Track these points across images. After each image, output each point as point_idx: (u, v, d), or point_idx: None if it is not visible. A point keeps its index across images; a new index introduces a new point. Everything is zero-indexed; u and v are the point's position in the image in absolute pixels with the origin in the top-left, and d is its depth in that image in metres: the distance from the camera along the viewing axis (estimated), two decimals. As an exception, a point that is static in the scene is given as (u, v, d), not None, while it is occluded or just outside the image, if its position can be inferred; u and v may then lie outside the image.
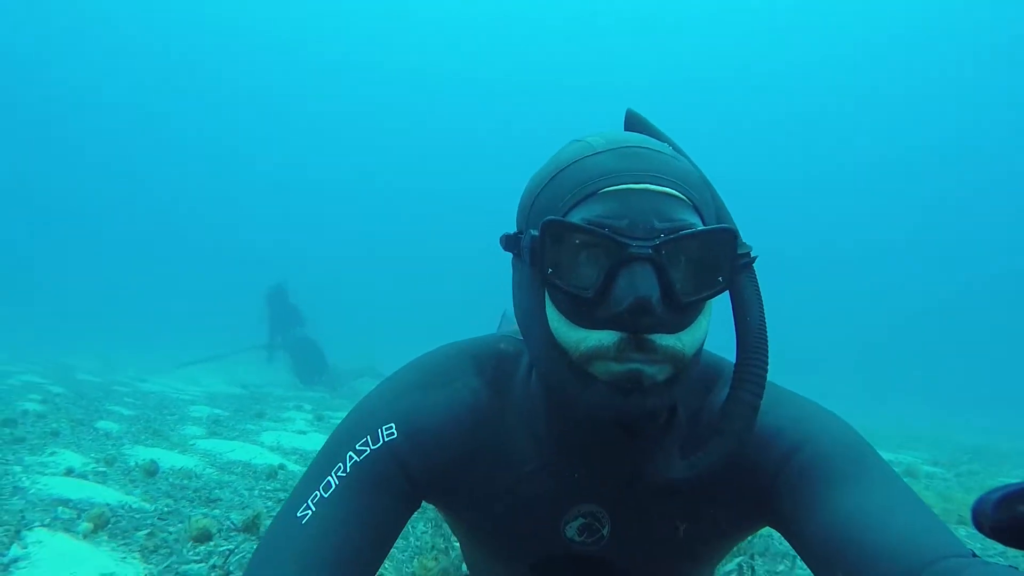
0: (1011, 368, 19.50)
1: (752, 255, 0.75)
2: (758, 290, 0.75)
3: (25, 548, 1.63)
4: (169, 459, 3.02)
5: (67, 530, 1.80)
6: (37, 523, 1.82)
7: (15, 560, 1.56)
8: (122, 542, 1.78)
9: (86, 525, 1.84)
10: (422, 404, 0.80)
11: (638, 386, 0.64)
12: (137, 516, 2.04)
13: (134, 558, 1.69)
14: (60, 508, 2.02)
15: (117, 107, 32.21)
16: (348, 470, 0.74)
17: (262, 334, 9.81)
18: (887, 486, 0.67)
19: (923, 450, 5.68)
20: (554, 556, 0.83)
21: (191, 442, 3.57)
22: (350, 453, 0.75)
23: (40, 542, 1.67)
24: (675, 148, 0.77)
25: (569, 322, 0.66)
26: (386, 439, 0.76)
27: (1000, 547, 2.11)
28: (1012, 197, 28.47)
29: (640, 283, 0.61)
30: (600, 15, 31.54)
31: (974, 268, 28.18)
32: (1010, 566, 0.52)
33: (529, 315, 0.72)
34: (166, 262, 29.46)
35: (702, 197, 0.70)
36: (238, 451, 3.43)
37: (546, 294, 0.68)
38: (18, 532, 1.71)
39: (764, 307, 0.74)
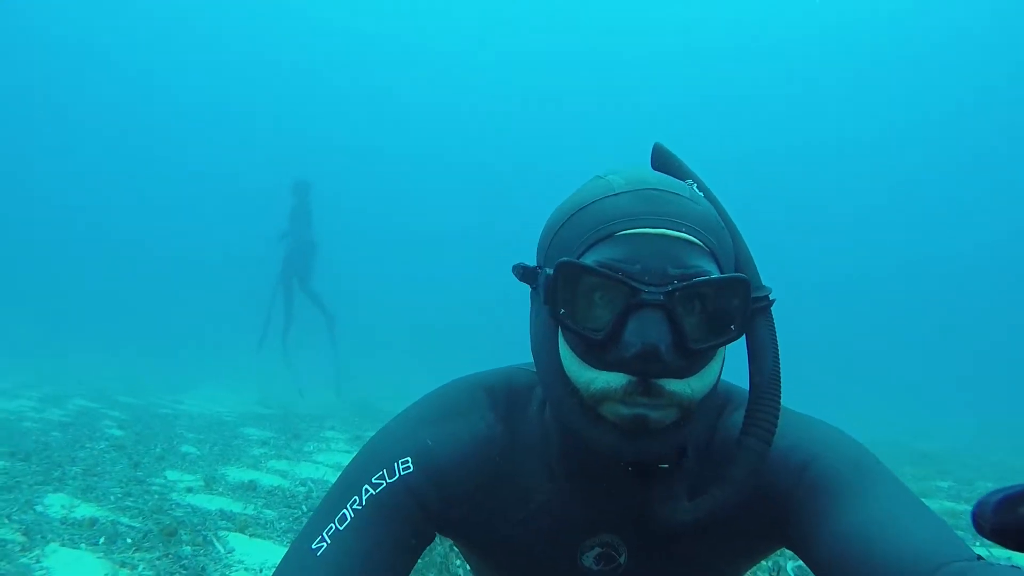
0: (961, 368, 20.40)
1: (771, 298, 0.76)
2: (774, 334, 0.76)
3: (228, 548, 2.42)
4: (256, 477, 3.80)
5: (242, 532, 2.59)
6: (220, 529, 2.62)
7: (229, 552, 2.35)
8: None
9: (253, 529, 2.63)
10: (437, 438, 0.81)
11: (644, 429, 0.66)
12: (282, 522, 2.83)
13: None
14: (218, 519, 2.81)
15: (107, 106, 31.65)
16: (364, 503, 0.76)
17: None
18: (894, 497, 0.68)
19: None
20: None
21: (265, 462, 4.34)
22: (366, 486, 0.77)
23: (230, 540, 2.47)
24: (700, 185, 0.79)
25: (581, 361, 0.68)
26: (402, 473, 0.78)
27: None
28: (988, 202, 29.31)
29: (650, 329, 0.63)
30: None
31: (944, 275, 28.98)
32: (1013, 566, 0.54)
33: (543, 350, 0.75)
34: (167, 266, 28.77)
35: (720, 242, 0.71)
36: (307, 470, 4.21)
37: (559, 331, 0.71)
38: (216, 535, 2.51)
39: (779, 351, 0.75)
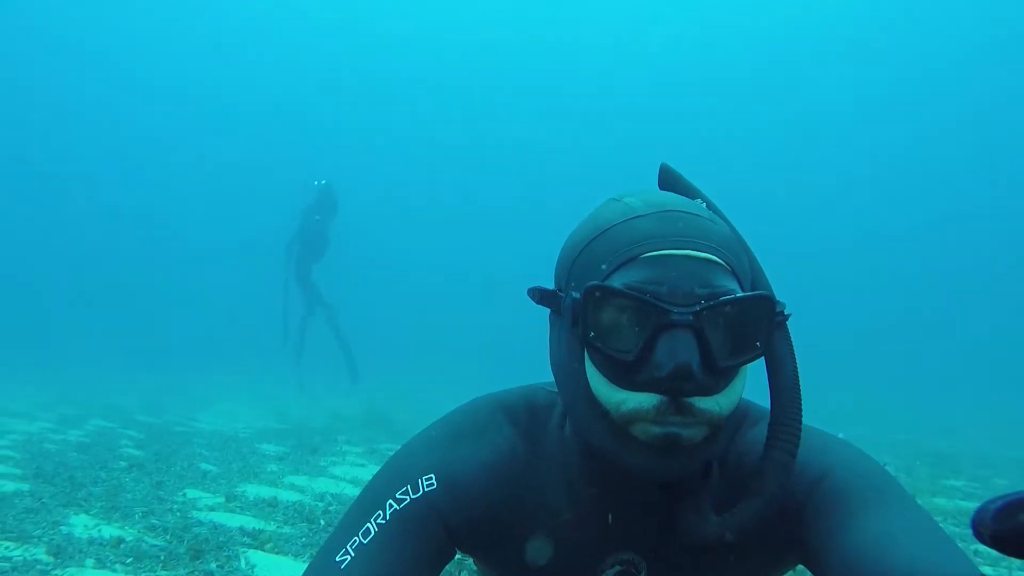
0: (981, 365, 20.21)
1: (786, 313, 0.77)
2: (792, 347, 0.78)
3: (250, 564, 2.47)
4: (275, 493, 3.85)
5: (263, 549, 2.64)
6: (242, 545, 2.66)
7: (251, 568, 2.40)
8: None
9: (274, 545, 2.68)
10: (460, 455, 0.83)
11: (676, 447, 0.68)
12: (302, 537, 2.88)
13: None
14: (240, 536, 2.85)
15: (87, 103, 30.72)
16: (388, 518, 0.77)
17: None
18: (903, 512, 0.69)
19: (883, 456, 6.48)
20: None
21: (283, 477, 4.39)
22: (390, 501, 0.79)
23: (252, 557, 2.52)
24: (710, 205, 0.80)
25: (609, 383, 0.69)
26: (426, 489, 0.80)
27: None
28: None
29: (681, 349, 0.64)
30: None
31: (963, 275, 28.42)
32: None
33: (568, 372, 0.76)
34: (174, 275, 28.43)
35: (739, 261, 0.73)
36: (325, 484, 4.26)
37: (585, 353, 0.72)
38: (236, 554, 2.55)
39: (798, 364, 0.77)
